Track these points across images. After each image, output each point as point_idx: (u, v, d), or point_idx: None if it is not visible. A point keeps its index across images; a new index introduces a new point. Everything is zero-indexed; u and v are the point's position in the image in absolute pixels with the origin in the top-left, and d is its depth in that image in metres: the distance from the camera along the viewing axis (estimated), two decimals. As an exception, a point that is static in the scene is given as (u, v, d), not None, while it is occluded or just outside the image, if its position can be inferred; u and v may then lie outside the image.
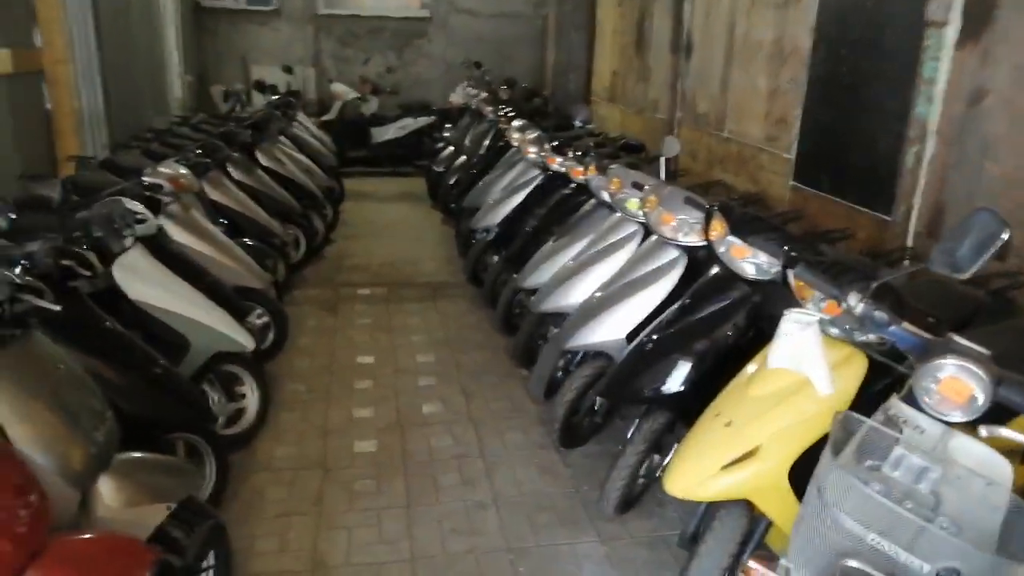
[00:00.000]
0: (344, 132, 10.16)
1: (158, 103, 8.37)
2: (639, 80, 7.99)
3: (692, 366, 2.79)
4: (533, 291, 4.29)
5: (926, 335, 1.74)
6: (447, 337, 4.94)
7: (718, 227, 2.88)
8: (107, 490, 2.06)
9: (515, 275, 5.16)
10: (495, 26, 11.30)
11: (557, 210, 4.89)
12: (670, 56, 6.97)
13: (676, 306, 2.97)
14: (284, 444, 3.60)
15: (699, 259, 3.30)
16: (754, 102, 5.61)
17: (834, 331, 2.13)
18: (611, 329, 3.27)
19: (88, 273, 2.66)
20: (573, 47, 10.78)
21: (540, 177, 5.58)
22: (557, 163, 5.18)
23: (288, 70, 9.30)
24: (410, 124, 10.22)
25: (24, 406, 1.89)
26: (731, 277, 2.85)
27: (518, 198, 5.52)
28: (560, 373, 3.90)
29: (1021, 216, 3.33)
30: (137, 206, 3.22)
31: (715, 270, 2.96)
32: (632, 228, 3.83)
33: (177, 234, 3.89)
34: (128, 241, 3.10)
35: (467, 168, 7.38)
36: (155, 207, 3.67)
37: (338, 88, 10.25)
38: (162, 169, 3.94)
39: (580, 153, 4.76)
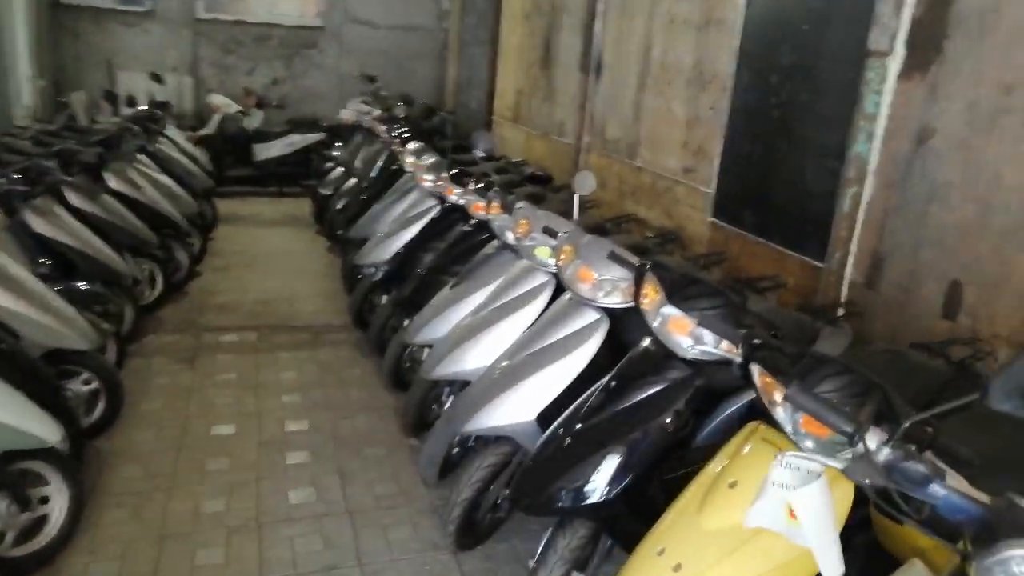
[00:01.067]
0: (224, 148, 9.22)
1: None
2: (545, 100, 7.49)
3: (621, 466, 2.21)
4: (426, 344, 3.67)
5: (981, 498, 1.21)
6: (325, 397, 4.21)
7: (651, 292, 2.33)
8: None
9: (406, 321, 4.50)
10: (393, 39, 10.62)
11: (455, 248, 4.27)
12: (579, 76, 6.49)
13: (599, 387, 2.39)
14: (102, 558, 2.81)
15: (624, 322, 2.75)
16: (670, 130, 5.17)
17: (820, 459, 1.59)
18: (518, 410, 2.67)
19: None
20: (475, 63, 10.24)
21: (436, 208, 4.95)
22: (455, 195, 4.56)
23: (157, 78, 8.32)
24: (297, 141, 9.37)
25: None
26: (667, 354, 2.30)
27: (411, 231, 4.86)
28: (456, 450, 3.28)
29: (979, 271, 2.95)
30: None
31: (646, 343, 2.41)
32: (542, 279, 3.24)
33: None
34: None
35: (357, 192, 6.66)
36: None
37: (217, 100, 9.30)
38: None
39: (481, 186, 4.16)
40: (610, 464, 2.21)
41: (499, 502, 2.84)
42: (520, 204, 3.41)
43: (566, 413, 2.44)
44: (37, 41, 8.50)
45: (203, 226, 6.75)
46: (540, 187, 4.58)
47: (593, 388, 2.44)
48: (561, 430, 2.36)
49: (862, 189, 3.44)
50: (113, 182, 5.22)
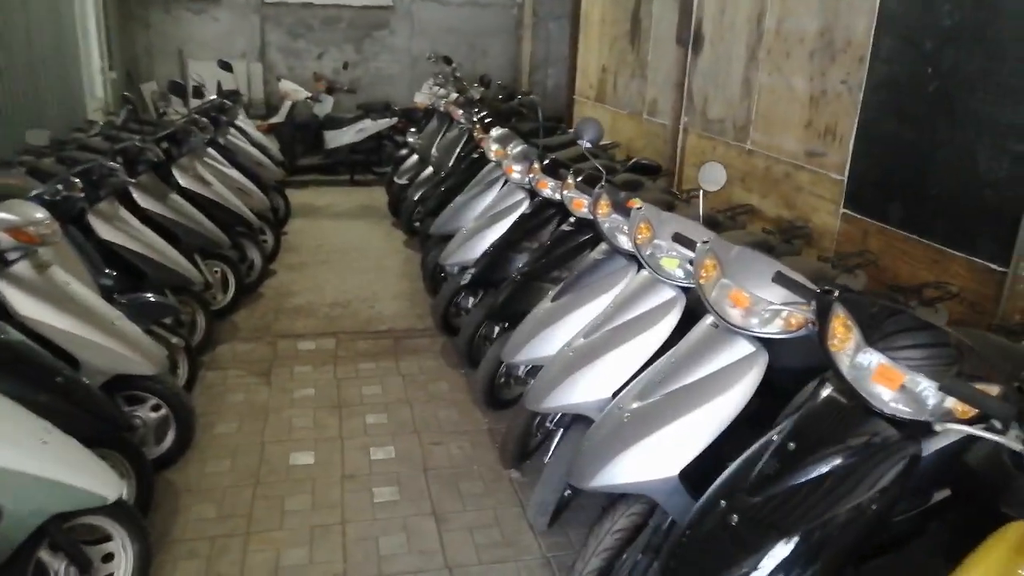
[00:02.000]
0: (294, 137, 8.94)
1: (69, 105, 7.08)
2: (634, 77, 6.90)
3: (803, 558, 1.71)
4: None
5: None
6: (412, 417, 3.80)
7: (841, 329, 1.80)
8: None
9: (496, 329, 4.08)
10: (465, 16, 10.14)
11: (553, 251, 3.79)
12: (675, 50, 5.88)
13: (772, 448, 1.87)
14: (173, 623, 2.46)
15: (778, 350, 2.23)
16: (789, 108, 4.55)
17: None
18: (655, 464, 2.18)
19: None
20: (553, 39, 9.70)
21: (527, 203, 4.48)
22: (550, 189, 4.08)
23: (225, 66, 8.04)
24: (369, 127, 9.01)
25: None
26: (865, 408, 1.77)
27: (499, 228, 4.40)
28: (568, 492, 2.83)
29: None
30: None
31: (828, 391, 1.88)
32: (669, 294, 2.73)
33: (22, 305, 2.73)
34: None
35: (435, 183, 6.23)
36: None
37: (287, 86, 9.00)
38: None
39: (581, 179, 3.66)
40: (789, 554, 1.72)
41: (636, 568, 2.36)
42: (640, 205, 2.89)
43: (726, 477, 1.94)
44: (108, 32, 8.34)
45: (276, 221, 6.44)
46: (648, 178, 4.04)
47: (760, 444, 1.93)
48: (723, 503, 1.86)
49: (1062, 177, 2.81)
50: (182, 180, 4.92)
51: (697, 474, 2.14)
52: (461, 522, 3.00)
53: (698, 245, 2.46)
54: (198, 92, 7.43)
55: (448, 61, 8.40)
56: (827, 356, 1.83)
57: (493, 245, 4.26)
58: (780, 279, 2.06)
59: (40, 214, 2.92)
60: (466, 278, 4.27)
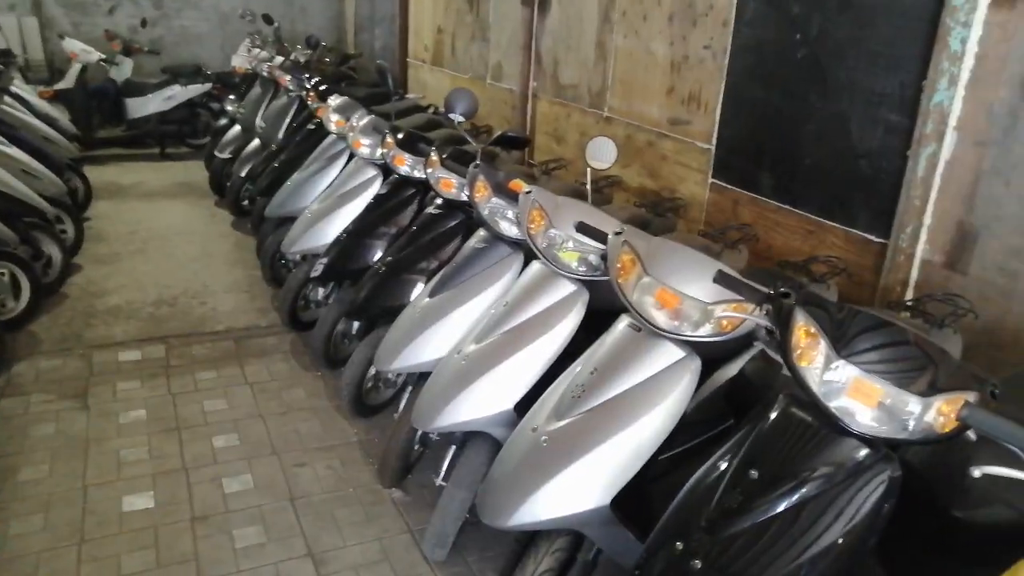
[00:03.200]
0: (89, 105, 7.80)
1: None
2: (474, 39, 6.53)
3: None
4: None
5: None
6: (268, 435, 3.32)
7: (804, 336, 1.59)
8: None
9: (355, 326, 3.70)
10: (280, -31, 9.25)
11: (420, 237, 3.39)
12: (520, 9, 5.58)
13: (735, 479, 1.64)
14: None
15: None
16: (649, 74, 4.39)
17: None
18: (584, 496, 1.91)
19: None
20: (379, -4, 9.06)
21: (379, 180, 4.04)
22: (408, 166, 3.67)
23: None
24: (179, 94, 8.03)
25: None
26: (838, 430, 1.57)
27: (351, 211, 3.97)
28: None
29: None
30: None
31: (788, 409, 1.67)
32: (570, 288, 2.45)
33: None
34: None
35: (265, 157, 5.60)
36: None
37: (73, 46, 7.77)
38: None
39: (450, 156, 3.29)
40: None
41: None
42: (528, 188, 2.57)
43: (676, 509, 1.70)
44: None
45: (75, 206, 5.53)
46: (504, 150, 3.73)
47: (707, 467, 1.70)
48: (679, 544, 1.61)
49: (940, 148, 2.80)
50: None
51: (626, 498, 1.89)
52: (344, 561, 2.60)
53: (610, 237, 2.18)
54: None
55: (269, 20, 7.61)
56: (791, 371, 1.61)
57: (346, 231, 3.80)
58: (723, 279, 1.82)
59: None
60: (317, 268, 3.78)
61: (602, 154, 2.72)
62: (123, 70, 8.07)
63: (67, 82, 7.67)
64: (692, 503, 1.68)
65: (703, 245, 3.10)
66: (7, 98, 5.62)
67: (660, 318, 1.97)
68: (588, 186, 2.76)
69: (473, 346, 2.49)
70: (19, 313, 4.14)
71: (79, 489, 2.90)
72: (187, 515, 2.79)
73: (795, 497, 1.55)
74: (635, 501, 1.96)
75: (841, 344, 1.55)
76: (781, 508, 1.55)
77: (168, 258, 5.33)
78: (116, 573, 2.49)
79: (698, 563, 1.57)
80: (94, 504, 2.82)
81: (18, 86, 6.19)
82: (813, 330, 1.58)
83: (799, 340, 1.59)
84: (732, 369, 2.24)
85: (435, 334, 2.74)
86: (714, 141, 3.92)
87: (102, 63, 7.88)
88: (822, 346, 1.55)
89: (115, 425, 3.33)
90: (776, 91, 3.52)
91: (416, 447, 2.95)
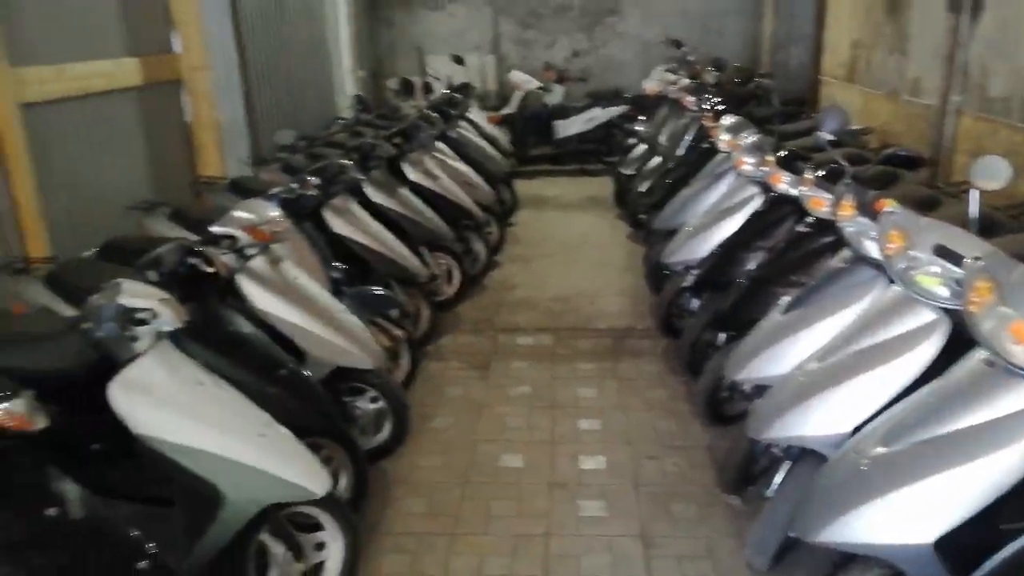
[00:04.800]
0: (525, 127, 9.05)
1: (323, 103, 7.69)
2: (892, 52, 6.12)
3: None
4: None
5: None
6: (627, 426, 3.63)
7: None
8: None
9: (721, 336, 3.77)
10: (699, -5, 9.65)
11: (787, 254, 3.41)
12: (945, 17, 5.11)
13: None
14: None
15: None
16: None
17: None
18: (904, 528, 1.82)
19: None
20: (797, 14, 8.93)
21: (759, 199, 4.09)
22: (785, 184, 3.68)
23: (458, 60, 8.29)
24: (599, 115, 8.88)
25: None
26: None
27: (728, 226, 4.07)
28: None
29: None
30: (143, 299, 2.16)
31: None
32: (929, 318, 2.30)
33: (258, 298, 2.90)
34: (143, 344, 2.12)
35: (662, 174, 5.97)
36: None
37: (517, 77, 9.11)
38: (238, 214, 2.96)
39: (823, 174, 3.24)
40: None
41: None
42: (891, 208, 2.47)
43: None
44: (358, 34, 8.95)
45: (502, 212, 6.53)
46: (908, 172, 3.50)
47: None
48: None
49: None
50: (410, 174, 5.10)
51: (957, 546, 1.76)
52: (671, 549, 2.78)
53: (966, 262, 2.02)
54: (427, 88, 7.70)
55: (678, 44, 8.02)
56: None
57: (721, 244, 3.94)
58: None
59: (273, 212, 3.11)
60: (690, 279, 4.01)
61: (992, 173, 2.46)
62: (555, 96, 9.19)
63: (510, 108, 9.02)
64: None
65: None
66: (462, 122, 6.86)
67: (1017, 353, 1.79)
68: (973, 209, 2.52)
69: (816, 364, 2.48)
70: (449, 297, 5.08)
71: (471, 442, 3.53)
72: (546, 480, 3.22)
73: None
74: (967, 553, 1.81)
75: None
76: None
77: (569, 262, 6.01)
78: (487, 513, 3.02)
79: None
80: (479, 456, 3.41)
81: (472, 112, 7.49)
82: None
83: None
84: None
85: (784, 349, 2.76)
86: None
87: (539, 90, 9.07)
88: None
89: (505, 395, 3.95)
90: None
91: (760, 460, 2.99)
